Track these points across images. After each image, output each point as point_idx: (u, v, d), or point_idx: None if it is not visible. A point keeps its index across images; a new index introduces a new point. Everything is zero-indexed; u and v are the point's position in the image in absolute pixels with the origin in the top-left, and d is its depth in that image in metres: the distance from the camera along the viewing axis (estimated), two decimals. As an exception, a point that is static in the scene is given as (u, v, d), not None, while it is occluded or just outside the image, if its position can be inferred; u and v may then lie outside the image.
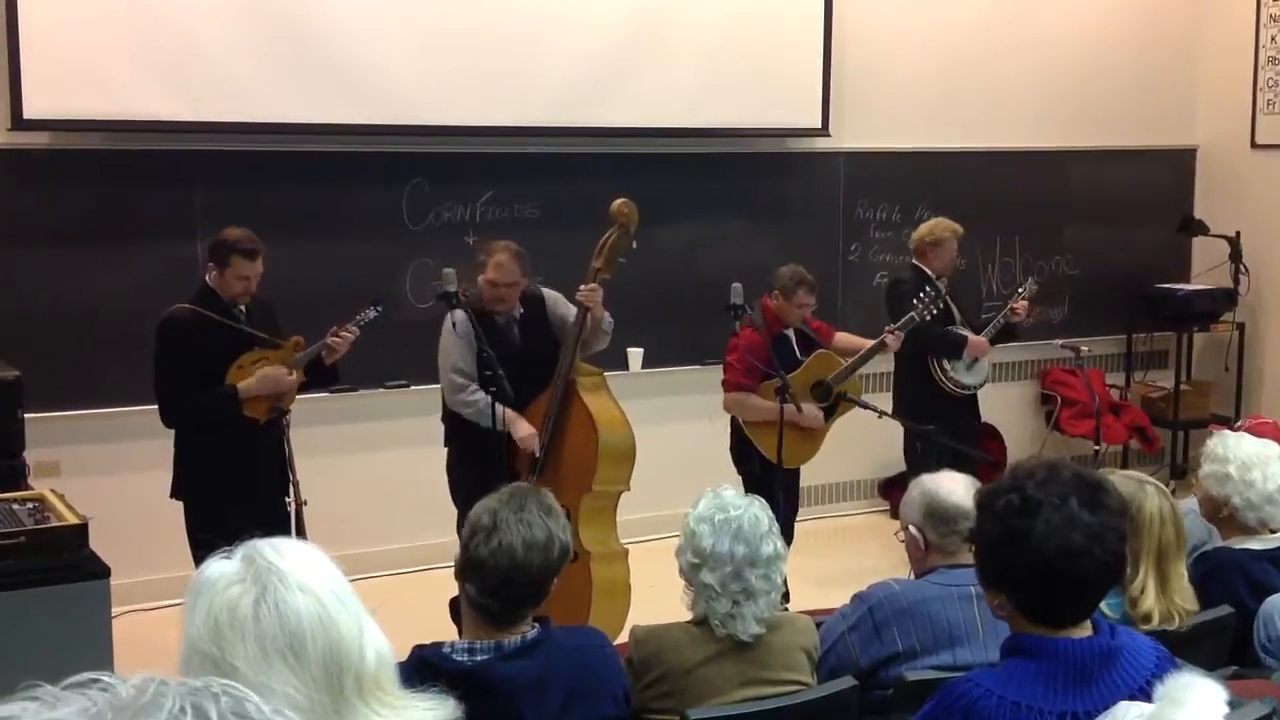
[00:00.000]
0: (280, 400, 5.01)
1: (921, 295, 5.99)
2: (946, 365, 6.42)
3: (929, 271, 6.46)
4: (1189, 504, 3.90)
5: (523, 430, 5.20)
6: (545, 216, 6.83)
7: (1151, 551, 3.27)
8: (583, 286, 5.24)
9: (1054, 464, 2.32)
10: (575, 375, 5.24)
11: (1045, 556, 2.19)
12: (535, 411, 5.26)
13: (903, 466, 6.81)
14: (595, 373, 5.34)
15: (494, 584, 2.72)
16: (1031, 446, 8.16)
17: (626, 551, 5.34)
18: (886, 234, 7.86)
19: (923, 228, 6.58)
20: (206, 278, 5.02)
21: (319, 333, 5.13)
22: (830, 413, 5.86)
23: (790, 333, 5.90)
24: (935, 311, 6.06)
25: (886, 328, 5.99)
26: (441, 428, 5.43)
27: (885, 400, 6.50)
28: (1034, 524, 2.20)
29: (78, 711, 0.96)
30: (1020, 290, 6.81)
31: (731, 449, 5.92)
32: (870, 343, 5.97)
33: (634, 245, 5.36)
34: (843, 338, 6.08)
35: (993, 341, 6.62)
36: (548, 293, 5.45)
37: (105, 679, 1.00)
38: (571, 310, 5.33)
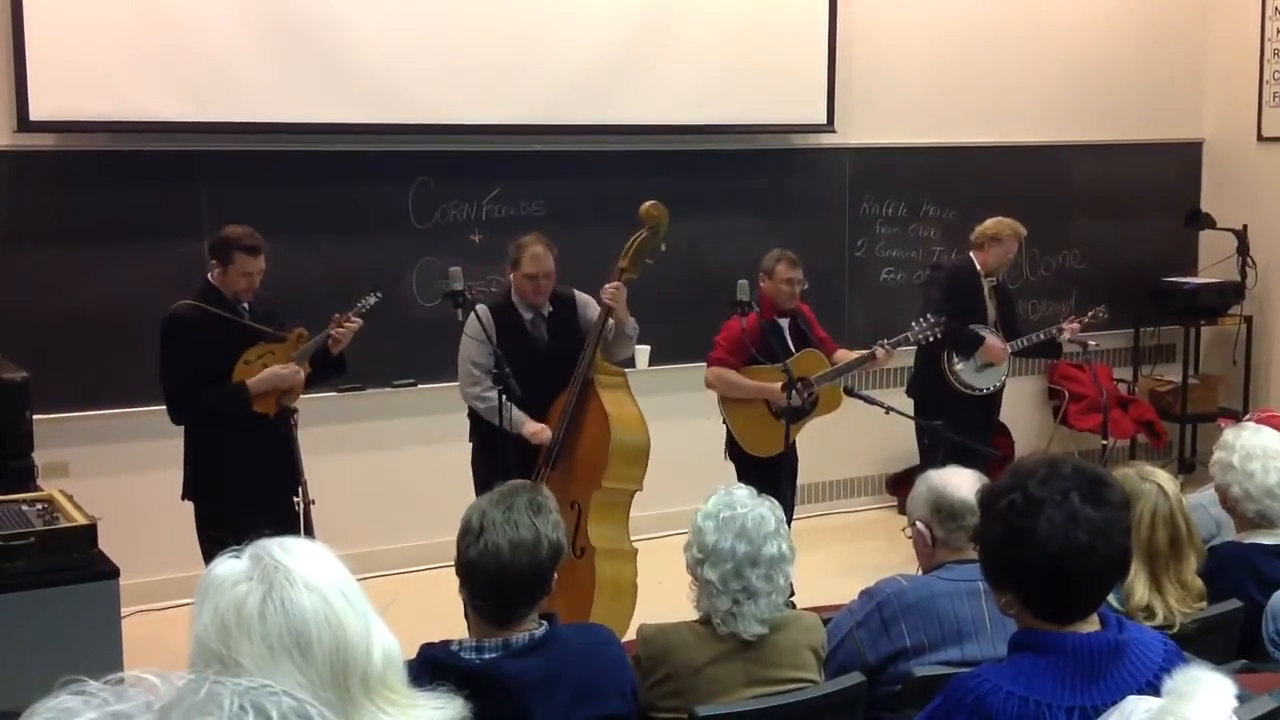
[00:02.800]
0: (288, 393, 5.02)
1: (923, 320, 5.96)
2: (956, 362, 6.40)
3: (978, 266, 6.47)
4: (1196, 498, 3.89)
5: (530, 428, 5.21)
6: (551, 214, 6.83)
7: (1140, 551, 3.26)
8: (607, 285, 5.24)
9: (1054, 461, 2.30)
10: (594, 373, 5.24)
11: (1050, 554, 2.18)
12: (555, 408, 5.27)
13: (910, 462, 6.81)
14: (617, 372, 5.35)
15: (483, 585, 2.72)
16: (1039, 441, 8.16)
17: (636, 552, 5.34)
18: (893, 230, 7.86)
19: (988, 222, 6.57)
20: (209, 276, 5.03)
21: (323, 328, 5.13)
22: (806, 413, 5.83)
23: (785, 324, 5.89)
24: (933, 338, 6.00)
25: (879, 341, 5.96)
26: (455, 423, 5.44)
27: (895, 396, 6.49)
28: (1037, 523, 2.19)
29: (140, 706, 0.96)
30: (1089, 316, 6.75)
31: (727, 441, 5.93)
32: (861, 352, 5.95)
33: (664, 248, 5.35)
34: (842, 354, 6.05)
35: (1026, 353, 6.61)
36: (579, 295, 5.44)
37: (147, 675, 0.99)
38: None
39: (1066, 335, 6.61)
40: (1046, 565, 2.19)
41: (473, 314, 5.11)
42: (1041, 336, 6.59)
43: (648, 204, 5.33)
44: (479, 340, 5.13)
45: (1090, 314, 6.78)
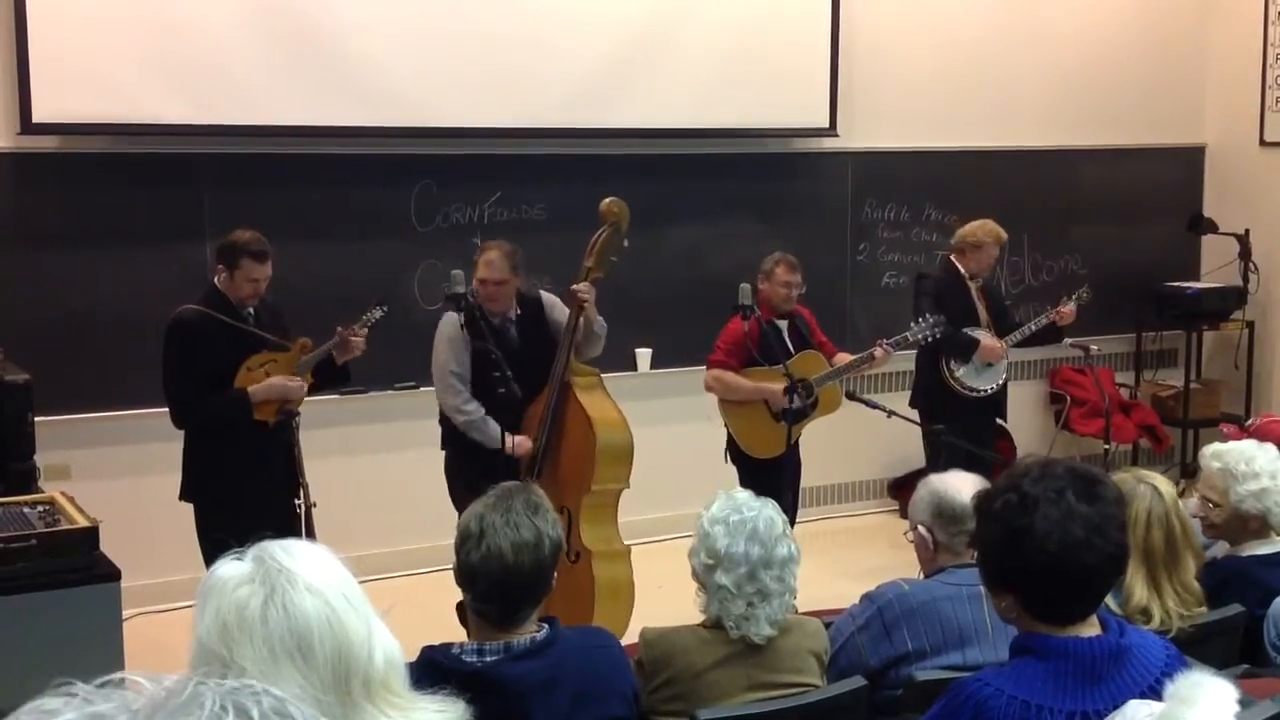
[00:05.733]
0: (289, 403, 5.02)
1: (923, 319, 5.98)
2: (954, 367, 6.41)
3: (962, 270, 6.48)
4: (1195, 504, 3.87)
5: (508, 443, 5.16)
6: (553, 218, 6.83)
7: (1136, 553, 3.26)
8: (575, 286, 5.24)
9: (1047, 461, 2.33)
10: (571, 376, 5.24)
11: (1048, 552, 2.19)
12: (532, 414, 5.26)
13: (912, 466, 6.81)
14: (591, 373, 5.34)
15: (488, 589, 2.72)
16: (1041, 446, 8.15)
17: (629, 550, 5.34)
18: (895, 234, 7.85)
19: (968, 226, 6.57)
20: (215, 280, 5.03)
21: (327, 334, 5.14)
22: (805, 414, 5.83)
23: (783, 326, 5.90)
24: (932, 338, 6.03)
25: (879, 341, 5.97)
26: (439, 430, 5.43)
27: (897, 400, 6.49)
28: (1034, 520, 2.21)
29: (120, 707, 0.96)
30: (1075, 296, 6.79)
31: (728, 443, 5.93)
32: (860, 354, 5.96)
33: (626, 244, 5.35)
34: (842, 357, 6.04)
35: (1027, 342, 6.62)
36: (546, 296, 5.46)
37: (137, 678, 1.00)
38: (568, 313, 5.34)
39: (1066, 321, 6.63)
40: (1045, 563, 2.20)
41: (444, 320, 5.12)
42: (1033, 328, 6.61)
43: (607, 200, 5.31)
44: (454, 347, 5.14)
45: (1075, 295, 6.81)
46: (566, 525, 5.12)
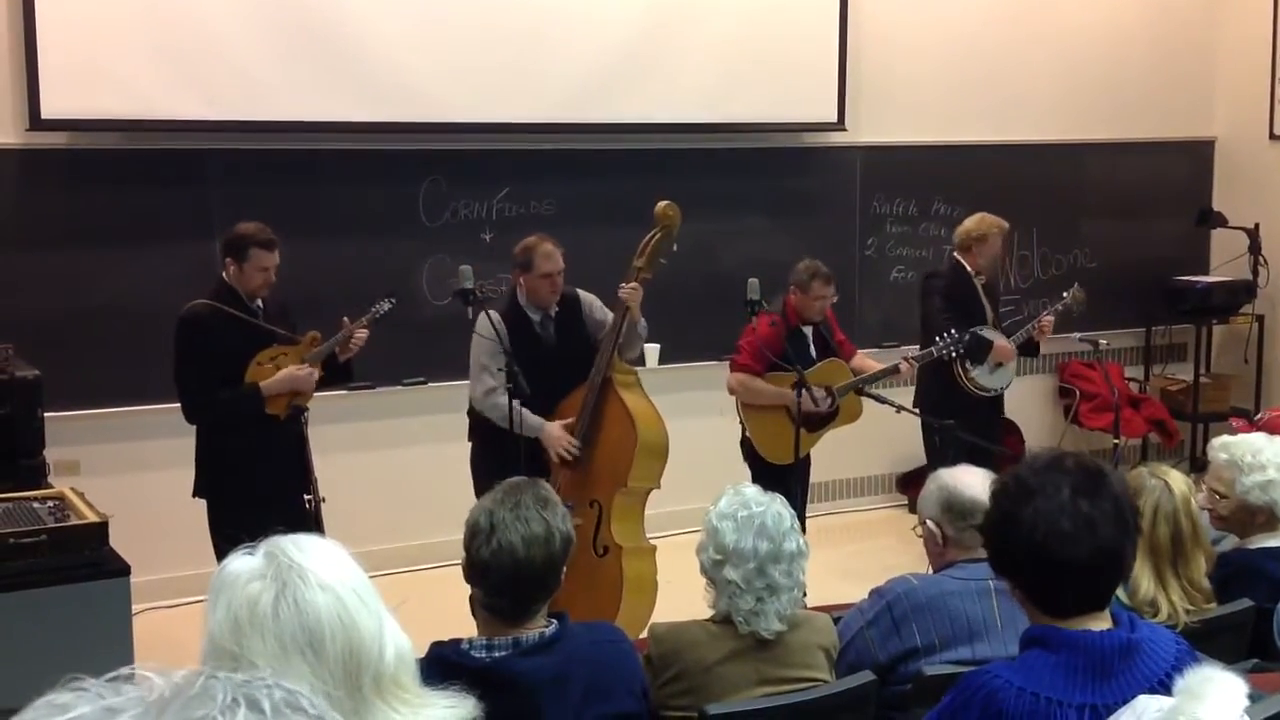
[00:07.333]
0: (299, 396, 5.03)
1: (947, 334, 5.98)
2: (969, 366, 6.41)
3: (969, 269, 6.45)
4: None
5: (553, 431, 5.19)
6: (561, 213, 6.83)
7: (1143, 546, 3.26)
8: (624, 284, 5.24)
9: (1060, 454, 2.34)
10: (612, 373, 5.25)
11: (1035, 542, 2.21)
12: (569, 407, 5.26)
13: (921, 461, 6.80)
14: (631, 371, 5.35)
15: (500, 584, 2.72)
16: (1050, 440, 8.14)
17: (654, 548, 5.35)
18: (903, 228, 7.85)
19: (969, 222, 6.52)
20: (223, 275, 5.03)
21: (335, 330, 5.15)
22: (827, 420, 5.84)
23: (809, 332, 5.90)
24: (956, 354, 6.04)
25: (904, 355, 5.99)
26: (465, 422, 5.43)
27: (905, 396, 6.48)
28: (1024, 510, 2.22)
29: (133, 700, 0.97)
30: (1065, 295, 6.79)
31: (742, 442, 5.93)
32: (884, 365, 5.97)
33: (675, 248, 5.37)
34: (861, 360, 6.05)
35: (1019, 351, 6.61)
36: (583, 294, 5.45)
37: (145, 673, 1.00)
38: (606, 313, 5.34)
39: (1046, 334, 6.62)
40: (1031, 551, 2.22)
41: (483, 315, 5.10)
42: (1024, 335, 6.59)
43: (662, 204, 5.33)
44: (491, 340, 5.12)
45: (1060, 304, 6.81)
46: (596, 520, 5.13)
